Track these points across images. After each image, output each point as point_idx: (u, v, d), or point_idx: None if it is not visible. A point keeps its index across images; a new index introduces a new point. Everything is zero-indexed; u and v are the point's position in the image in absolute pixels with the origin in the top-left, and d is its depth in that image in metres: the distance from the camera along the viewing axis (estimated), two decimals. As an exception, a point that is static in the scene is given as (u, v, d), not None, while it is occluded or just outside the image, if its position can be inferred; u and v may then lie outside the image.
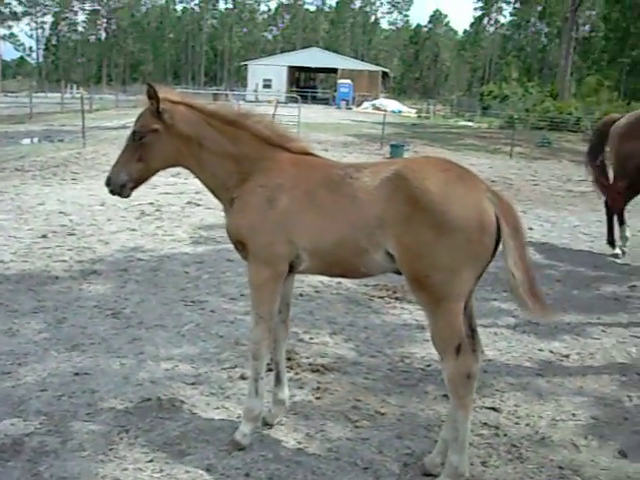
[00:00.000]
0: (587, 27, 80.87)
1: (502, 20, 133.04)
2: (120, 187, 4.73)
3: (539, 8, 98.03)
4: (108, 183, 4.75)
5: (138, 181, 4.78)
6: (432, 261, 3.91)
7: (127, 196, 4.86)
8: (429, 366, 6.33)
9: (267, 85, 78.90)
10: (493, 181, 19.46)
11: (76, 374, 5.83)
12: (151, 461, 4.53)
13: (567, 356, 6.79)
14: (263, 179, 4.53)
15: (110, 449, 4.66)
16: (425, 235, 3.89)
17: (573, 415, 5.51)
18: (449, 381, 4.10)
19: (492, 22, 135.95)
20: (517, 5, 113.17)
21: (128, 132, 4.84)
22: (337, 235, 4.22)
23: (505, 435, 5.12)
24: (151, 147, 4.64)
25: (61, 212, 12.48)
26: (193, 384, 5.71)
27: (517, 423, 5.33)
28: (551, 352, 6.86)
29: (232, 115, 4.75)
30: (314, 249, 4.34)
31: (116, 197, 4.91)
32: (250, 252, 4.53)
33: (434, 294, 3.97)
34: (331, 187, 4.30)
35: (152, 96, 4.56)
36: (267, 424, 5.02)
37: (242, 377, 5.84)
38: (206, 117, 4.72)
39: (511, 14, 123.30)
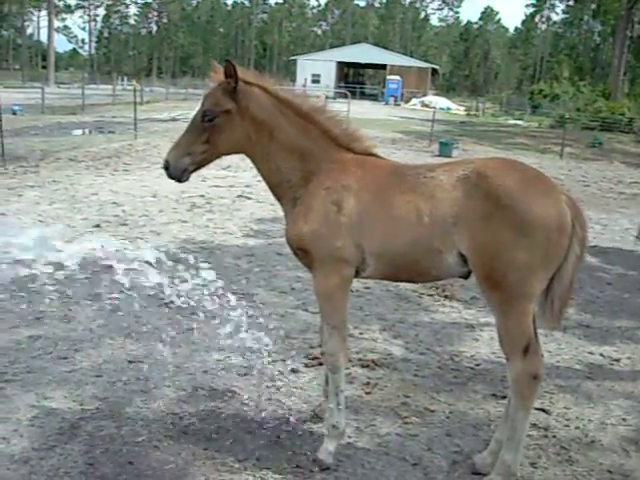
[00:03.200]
0: (642, 26, 79.20)
1: (554, 18, 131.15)
2: (181, 172, 4.38)
3: (593, 6, 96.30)
4: (167, 167, 4.38)
5: (200, 165, 4.45)
6: (510, 260, 3.87)
7: (186, 180, 4.46)
8: (478, 365, 6.33)
9: (316, 80, 78.76)
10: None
11: (130, 362, 5.97)
12: (205, 449, 4.62)
13: (618, 360, 6.73)
14: (328, 181, 4.35)
15: (164, 436, 4.77)
16: (504, 234, 3.85)
17: (623, 420, 5.47)
18: (514, 381, 4.09)
19: (544, 20, 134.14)
20: (570, 3, 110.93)
21: (184, 121, 4.63)
22: (410, 236, 4.10)
23: (554, 437, 5.11)
24: (221, 129, 4.34)
25: (114, 202, 12.70)
26: (244, 375, 5.80)
27: (567, 425, 5.31)
28: (602, 356, 6.81)
29: (306, 107, 4.50)
30: (383, 252, 4.21)
31: (173, 182, 4.53)
32: (315, 259, 4.34)
33: (508, 294, 3.94)
34: (403, 187, 4.19)
35: (231, 74, 4.27)
36: (318, 417, 5.06)
37: (293, 370, 5.91)
38: (280, 104, 4.45)
39: (564, 12, 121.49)
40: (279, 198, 4.64)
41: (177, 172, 4.38)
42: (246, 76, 4.41)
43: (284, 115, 4.45)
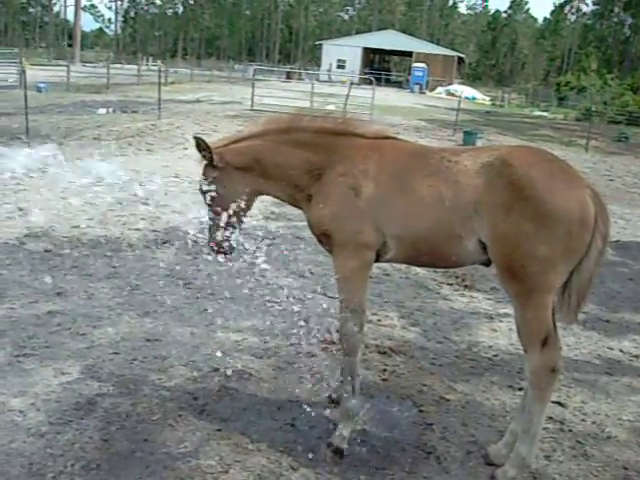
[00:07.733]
0: (674, 19, 78.05)
1: (584, 9, 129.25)
2: (234, 248, 4.74)
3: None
4: (229, 252, 4.80)
5: (241, 223, 4.70)
6: (530, 252, 3.82)
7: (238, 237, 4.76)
8: (496, 356, 6.29)
9: (341, 65, 78.33)
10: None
11: (148, 340, 6.00)
12: (219, 430, 4.64)
13: (637, 356, 6.67)
14: (342, 168, 4.35)
15: (179, 415, 4.79)
16: (525, 225, 3.80)
17: (641, 416, 5.43)
18: (532, 373, 4.06)
19: (574, 10, 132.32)
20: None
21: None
22: (431, 220, 4.08)
23: (570, 431, 5.08)
24: (226, 192, 4.56)
25: (136, 181, 12.71)
26: (261, 357, 5.82)
27: (583, 420, 5.27)
28: (621, 351, 6.75)
29: (285, 122, 4.63)
30: (404, 236, 4.21)
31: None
32: (336, 243, 4.37)
33: (527, 285, 3.90)
34: (426, 171, 4.16)
35: (202, 147, 4.50)
36: (333, 402, 5.05)
37: (310, 354, 5.91)
38: (255, 138, 4.60)
39: (594, 3, 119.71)
40: (294, 204, 4.75)
41: (232, 250, 4.80)
42: (219, 142, 4.67)
43: (268, 141, 4.56)
